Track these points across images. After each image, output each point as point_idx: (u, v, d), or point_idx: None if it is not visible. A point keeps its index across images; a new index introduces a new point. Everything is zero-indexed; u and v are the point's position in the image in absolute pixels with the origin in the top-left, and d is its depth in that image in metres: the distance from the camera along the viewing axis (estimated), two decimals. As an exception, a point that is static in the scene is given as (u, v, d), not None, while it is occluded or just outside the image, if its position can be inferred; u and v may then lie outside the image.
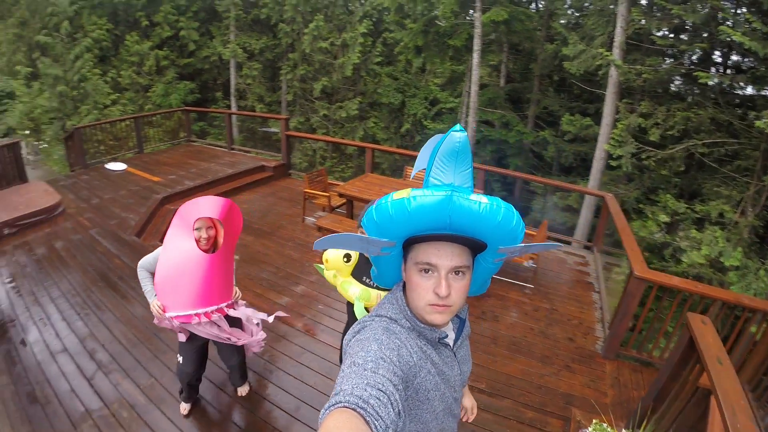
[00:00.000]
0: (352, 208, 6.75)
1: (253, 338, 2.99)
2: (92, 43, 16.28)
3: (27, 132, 16.69)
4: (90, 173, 9.14)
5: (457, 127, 1.04)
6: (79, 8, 17.15)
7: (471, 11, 15.36)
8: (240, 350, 3.12)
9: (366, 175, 7.41)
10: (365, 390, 0.82)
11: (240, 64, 18.62)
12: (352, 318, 2.72)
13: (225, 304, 2.65)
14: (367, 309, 2.44)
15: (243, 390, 3.38)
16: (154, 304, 2.48)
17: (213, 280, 2.53)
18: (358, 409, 0.77)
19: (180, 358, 2.90)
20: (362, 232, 1.40)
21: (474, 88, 15.08)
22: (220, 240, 2.57)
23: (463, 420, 1.59)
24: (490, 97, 17.28)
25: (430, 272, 1.03)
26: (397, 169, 18.27)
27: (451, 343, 1.20)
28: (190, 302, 2.47)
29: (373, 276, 1.26)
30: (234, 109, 18.91)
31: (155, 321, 2.63)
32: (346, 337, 1.10)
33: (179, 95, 18.31)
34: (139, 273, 2.67)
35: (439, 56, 17.16)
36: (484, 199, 0.96)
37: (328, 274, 2.53)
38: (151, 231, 6.64)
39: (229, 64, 18.95)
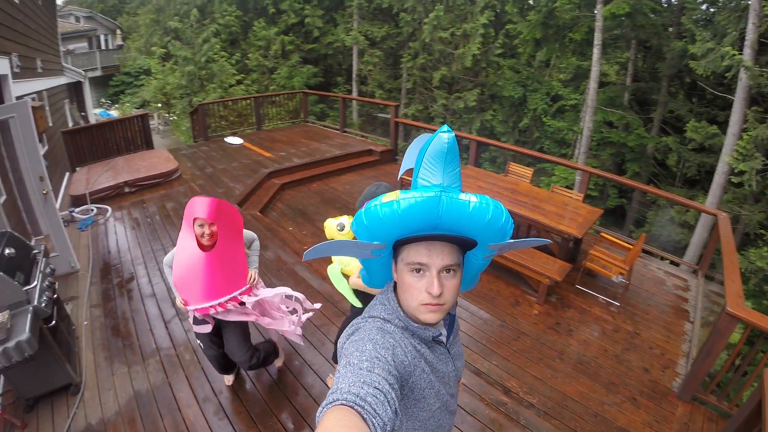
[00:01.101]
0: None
1: (287, 328, 3.00)
2: (220, 28, 17.90)
3: (159, 105, 18.96)
4: (210, 145, 10.17)
5: (445, 127, 1.04)
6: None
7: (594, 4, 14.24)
8: (250, 348, 3.00)
9: (466, 167, 7.21)
10: (362, 388, 0.82)
11: (362, 51, 19.19)
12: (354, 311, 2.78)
13: (238, 292, 2.69)
14: (344, 274, 2.52)
15: (279, 361, 3.55)
16: (178, 301, 2.63)
17: (215, 273, 2.59)
18: (356, 407, 0.77)
19: (200, 344, 3.03)
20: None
21: (593, 85, 14.06)
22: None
23: None
24: (611, 96, 15.98)
25: (421, 272, 1.03)
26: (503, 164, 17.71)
27: (445, 341, 1.20)
28: (201, 296, 2.58)
29: (363, 278, 1.26)
30: (355, 94, 19.59)
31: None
32: (340, 339, 1.10)
33: (302, 78, 19.38)
34: (164, 270, 2.84)
35: (560, 50, 16.20)
36: (473, 198, 0.96)
37: (335, 267, 2.60)
38: (253, 201, 7.23)
39: (352, 50, 19.54)
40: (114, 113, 21.48)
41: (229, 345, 2.94)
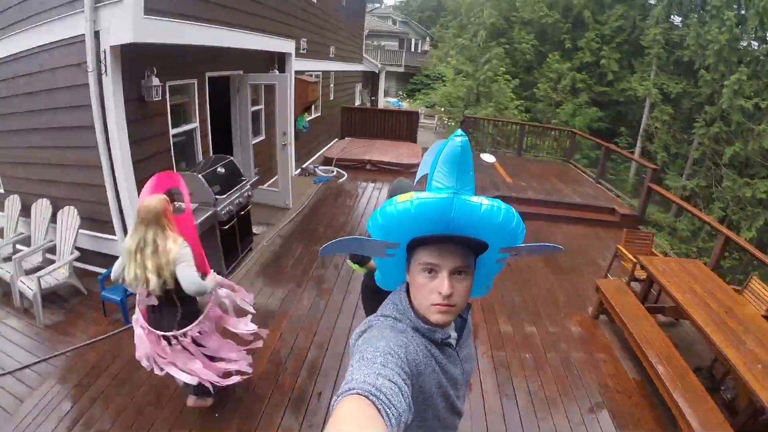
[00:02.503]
0: (649, 289, 4.72)
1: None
2: (506, 52, 18.40)
3: (442, 109, 20.73)
4: None
5: (458, 132, 1.02)
6: (505, 21, 19.47)
7: None
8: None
9: (691, 261, 4.77)
10: (377, 379, 0.81)
11: (653, 105, 17.08)
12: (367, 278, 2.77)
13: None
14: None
15: (189, 401, 2.97)
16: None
17: None
18: (371, 397, 0.75)
19: None
20: None
21: None
22: None
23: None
24: None
25: (432, 272, 1.02)
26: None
27: (454, 343, 1.18)
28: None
29: (377, 279, 1.28)
30: (638, 150, 17.85)
31: None
32: (352, 336, 1.11)
33: (585, 119, 18.46)
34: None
35: None
36: (485, 201, 0.98)
37: None
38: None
39: (644, 102, 17.60)
40: (404, 105, 24.58)
41: None
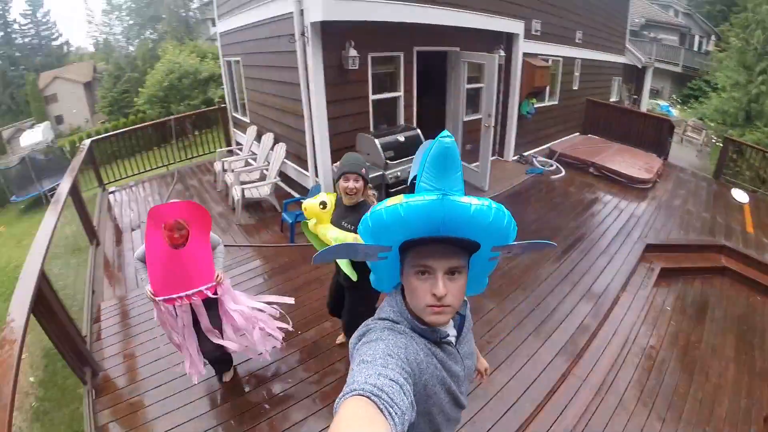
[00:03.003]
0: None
1: (250, 341, 2.91)
2: None
3: (712, 123, 15.97)
4: (714, 184, 8.25)
5: (445, 132, 1.00)
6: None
7: None
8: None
9: None
10: (378, 379, 0.81)
11: None
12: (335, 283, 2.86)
13: (205, 287, 2.69)
14: None
15: (227, 376, 3.15)
16: (147, 290, 2.61)
17: (184, 268, 2.64)
18: (373, 397, 0.75)
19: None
20: None
21: None
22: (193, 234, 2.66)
23: (481, 381, 1.69)
24: None
25: (426, 274, 1.02)
26: None
27: (453, 341, 1.19)
28: (170, 288, 2.63)
29: (372, 281, 1.27)
30: None
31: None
32: (351, 340, 1.11)
33: None
34: (135, 264, 2.90)
35: None
36: (474, 201, 0.97)
37: (311, 224, 2.55)
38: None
39: None
40: (675, 112, 20.08)
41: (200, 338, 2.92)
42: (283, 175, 6.21)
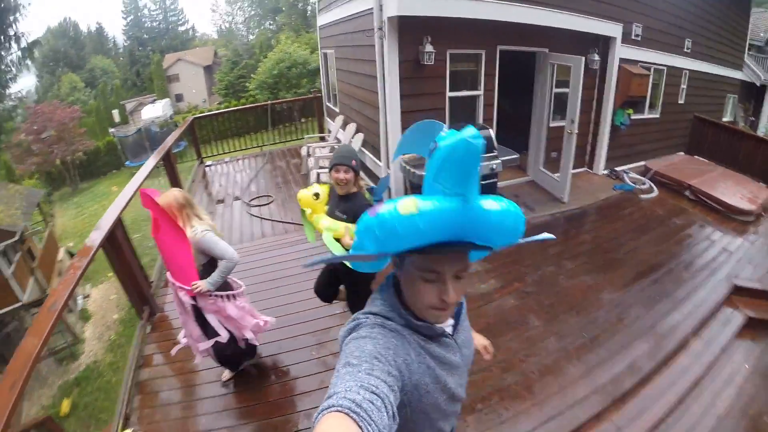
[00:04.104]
0: None
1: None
2: None
3: None
4: None
5: (472, 128, 0.83)
6: None
7: None
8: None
9: None
10: (358, 393, 0.77)
11: None
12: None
13: (180, 285, 2.59)
14: (338, 240, 2.38)
15: (224, 375, 3.11)
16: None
17: (164, 255, 2.62)
18: (351, 414, 0.72)
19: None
20: None
21: None
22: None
23: (486, 358, 1.59)
24: None
25: (433, 277, 0.95)
26: None
27: (451, 331, 1.14)
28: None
29: (352, 264, 1.23)
30: None
31: None
32: (341, 333, 1.04)
33: None
34: None
35: None
36: (496, 206, 0.89)
37: (307, 213, 2.58)
38: None
39: None
40: None
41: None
42: (361, 164, 6.30)
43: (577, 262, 4.64)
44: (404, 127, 5.08)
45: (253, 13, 42.57)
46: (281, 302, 3.89)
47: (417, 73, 4.93)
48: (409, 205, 0.84)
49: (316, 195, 2.53)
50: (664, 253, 4.91)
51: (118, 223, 3.50)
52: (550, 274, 4.41)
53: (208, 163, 8.91)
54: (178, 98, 36.87)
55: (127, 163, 21.87)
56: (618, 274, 4.42)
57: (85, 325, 12.71)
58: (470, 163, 0.85)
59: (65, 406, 9.05)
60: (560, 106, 6.28)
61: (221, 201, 6.62)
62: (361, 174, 2.65)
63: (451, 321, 1.15)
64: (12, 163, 22.21)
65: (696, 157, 9.08)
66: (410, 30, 4.64)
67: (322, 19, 8.40)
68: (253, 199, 6.55)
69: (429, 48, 4.67)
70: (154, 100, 32.70)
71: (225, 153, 9.47)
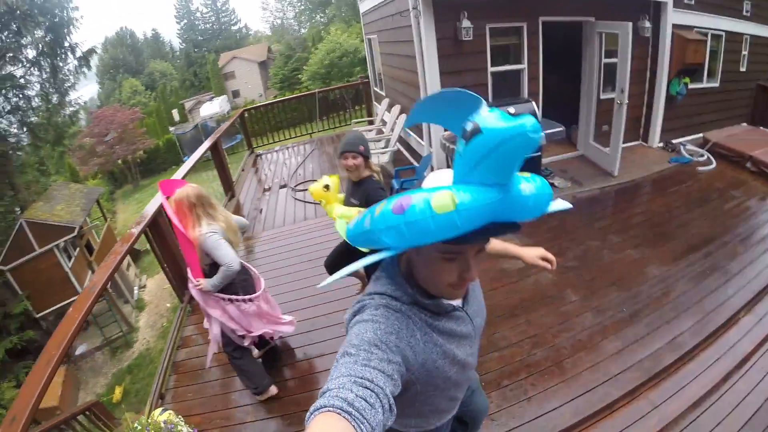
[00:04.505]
0: None
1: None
2: None
3: None
4: None
5: (531, 119, 0.70)
6: None
7: None
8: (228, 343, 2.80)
9: None
10: (351, 391, 0.76)
11: None
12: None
13: (191, 277, 2.64)
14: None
15: (255, 351, 3.13)
16: None
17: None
18: (344, 414, 0.71)
19: None
20: None
21: None
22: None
23: (552, 268, 1.55)
24: None
25: (455, 256, 0.92)
26: None
27: (461, 303, 1.12)
28: None
29: (346, 232, 1.10)
30: None
31: None
32: (346, 317, 1.04)
33: None
34: None
35: None
36: (532, 188, 0.80)
37: (322, 204, 2.64)
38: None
39: None
40: None
41: None
42: (406, 144, 6.52)
43: (625, 236, 4.46)
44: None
45: (302, 7, 43.23)
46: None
47: (456, 49, 4.89)
48: (445, 200, 0.74)
49: (326, 187, 2.55)
50: (720, 227, 4.59)
51: (160, 211, 3.61)
52: (594, 248, 4.26)
53: (260, 152, 9.31)
54: (235, 94, 38.31)
55: (184, 158, 23.01)
56: (667, 248, 4.19)
57: (140, 314, 13.61)
58: (523, 156, 0.74)
59: (118, 393, 9.77)
60: (611, 77, 5.93)
61: (268, 189, 6.92)
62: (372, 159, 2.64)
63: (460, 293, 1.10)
64: (76, 165, 23.94)
65: (760, 128, 8.33)
66: (446, 7, 4.59)
67: (363, 6, 8.47)
68: (298, 184, 6.79)
69: (467, 24, 4.62)
70: (212, 97, 34.12)
71: (276, 142, 9.86)
